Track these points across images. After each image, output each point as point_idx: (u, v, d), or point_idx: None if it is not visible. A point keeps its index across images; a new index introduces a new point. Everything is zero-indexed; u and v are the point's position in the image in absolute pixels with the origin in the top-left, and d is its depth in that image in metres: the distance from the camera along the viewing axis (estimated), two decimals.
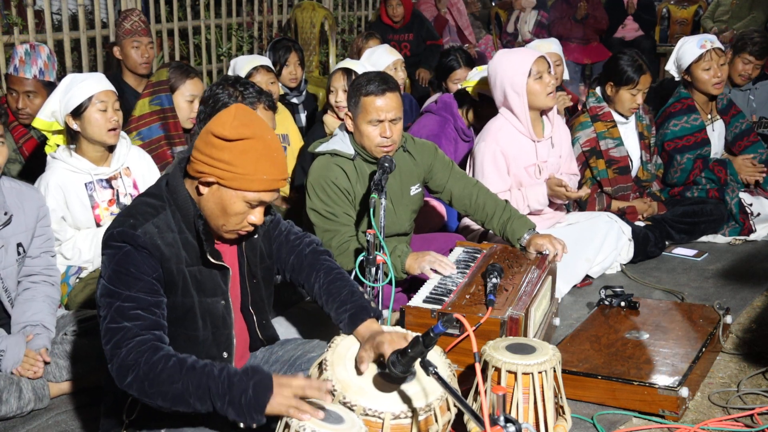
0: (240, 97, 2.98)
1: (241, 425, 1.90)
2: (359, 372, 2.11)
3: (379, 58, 4.69)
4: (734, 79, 5.08)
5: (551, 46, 4.68)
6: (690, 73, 4.48)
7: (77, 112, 3.10)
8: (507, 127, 3.70)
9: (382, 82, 3.00)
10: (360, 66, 4.12)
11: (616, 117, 4.24)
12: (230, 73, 4.36)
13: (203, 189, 2.08)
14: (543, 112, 3.75)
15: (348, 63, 4.18)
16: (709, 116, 4.59)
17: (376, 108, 2.98)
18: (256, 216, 2.10)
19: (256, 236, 2.29)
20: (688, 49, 4.46)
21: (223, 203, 2.06)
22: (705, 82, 4.44)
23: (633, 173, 4.32)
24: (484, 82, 4.01)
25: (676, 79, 4.63)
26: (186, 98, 3.77)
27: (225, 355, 2.23)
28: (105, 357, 1.99)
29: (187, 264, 2.12)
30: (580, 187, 4.14)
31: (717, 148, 4.64)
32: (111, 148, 3.25)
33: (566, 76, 4.93)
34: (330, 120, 4.15)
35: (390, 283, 2.74)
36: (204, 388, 1.90)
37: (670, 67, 4.61)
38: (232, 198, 2.05)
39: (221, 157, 2.01)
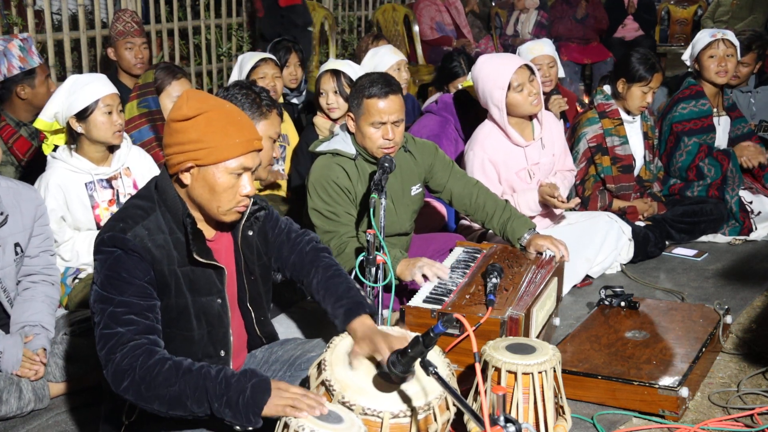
0: (257, 99, 2.91)
1: (238, 428, 1.90)
2: (351, 365, 2.11)
3: (383, 58, 4.68)
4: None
5: (544, 47, 4.66)
6: (699, 60, 4.54)
7: (82, 115, 3.09)
8: (494, 134, 3.68)
9: (385, 84, 3.00)
10: (347, 66, 4.11)
11: (624, 115, 4.25)
12: (236, 69, 4.33)
13: (185, 178, 2.08)
14: (531, 116, 3.74)
15: (334, 64, 4.15)
16: (715, 110, 4.60)
17: (378, 110, 2.98)
18: (247, 185, 2.10)
19: (251, 233, 2.29)
20: (701, 38, 4.54)
21: (209, 183, 2.06)
22: (709, 70, 4.49)
23: (636, 172, 4.32)
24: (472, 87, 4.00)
25: (689, 69, 4.67)
26: (173, 99, 3.68)
27: (222, 353, 2.23)
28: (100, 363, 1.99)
29: (179, 264, 2.11)
30: (581, 184, 4.15)
31: (721, 141, 4.65)
32: (112, 148, 3.25)
33: (562, 74, 4.92)
34: (320, 121, 4.13)
35: (390, 282, 2.74)
36: (201, 390, 1.89)
37: (686, 56, 4.67)
38: (215, 174, 2.06)
39: (188, 138, 2.03)
